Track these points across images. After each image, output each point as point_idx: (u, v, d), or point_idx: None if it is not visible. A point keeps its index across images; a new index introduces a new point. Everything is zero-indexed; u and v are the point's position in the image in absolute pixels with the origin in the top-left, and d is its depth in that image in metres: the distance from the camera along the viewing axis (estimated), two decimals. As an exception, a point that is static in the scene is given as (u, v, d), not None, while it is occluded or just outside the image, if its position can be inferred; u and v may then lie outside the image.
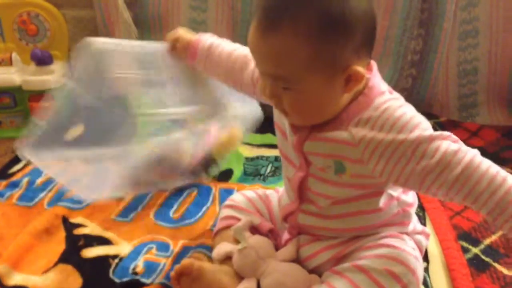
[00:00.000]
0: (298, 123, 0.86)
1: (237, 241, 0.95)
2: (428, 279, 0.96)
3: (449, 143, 0.78)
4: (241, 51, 1.05)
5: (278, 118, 0.93)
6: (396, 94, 0.86)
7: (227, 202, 1.06)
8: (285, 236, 0.98)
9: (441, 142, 0.78)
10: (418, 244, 0.92)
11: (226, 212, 1.04)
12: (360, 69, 0.79)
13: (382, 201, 0.88)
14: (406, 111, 0.81)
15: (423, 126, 0.80)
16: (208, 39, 1.09)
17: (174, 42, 1.10)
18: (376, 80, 0.85)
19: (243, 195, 1.06)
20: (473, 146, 1.41)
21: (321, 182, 0.88)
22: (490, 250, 1.05)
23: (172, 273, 0.90)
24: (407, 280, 0.82)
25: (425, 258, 1.01)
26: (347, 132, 0.82)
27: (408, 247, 0.86)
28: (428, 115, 1.56)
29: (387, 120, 0.80)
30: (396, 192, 0.90)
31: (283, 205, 0.99)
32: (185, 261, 0.90)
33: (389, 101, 0.82)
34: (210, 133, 1.18)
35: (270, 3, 0.78)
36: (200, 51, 1.08)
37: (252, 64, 1.00)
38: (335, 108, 0.82)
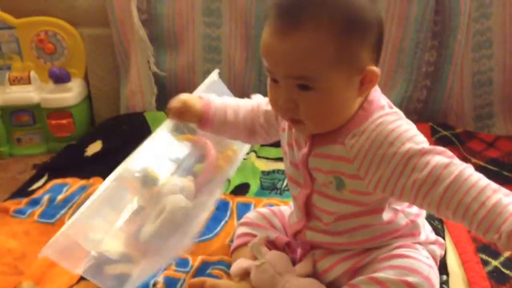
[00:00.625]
0: (310, 129, 0.84)
1: (255, 258, 0.96)
2: (448, 292, 0.96)
3: (441, 158, 0.77)
4: (245, 106, 1.05)
5: (289, 136, 0.93)
6: (396, 109, 0.86)
7: (242, 220, 1.07)
8: (299, 251, 0.99)
9: (432, 156, 0.77)
10: (432, 254, 0.92)
11: (241, 229, 1.05)
12: (375, 68, 0.80)
13: (387, 216, 0.89)
14: (401, 124, 0.81)
15: (416, 140, 0.79)
16: (216, 106, 1.03)
17: (181, 109, 1.01)
18: (376, 95, 0.86)
19: (257, 212, 1.08)
20: (489, 157, 1.45)
21: (325, 198, 0.89)
22: (510, 263, 1.04)
23: None
24: None
25: (445, 271, 1.01)
26: (343, 146, 0.83)
27: (421, 256, 0.87)
28: (444, 126, 1.58)
29: (380, 133, 0.81)
30: (399, 206, 0.90)
31: (291, 223, 1.00)
32: (195, 280, 0.91)
33: (386, 115, 0.83)
34: (209, 156, 1.18)
35: (286, 3, 0.78)
36: (214, 122, 1.02)
37: (261, 110, 1.02)
38: (347, 113, 0.83)
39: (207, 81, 1.17)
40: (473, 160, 1.44)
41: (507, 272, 1.02)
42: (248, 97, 1.68)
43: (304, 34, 0.76)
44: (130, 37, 1.71)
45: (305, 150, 0.88)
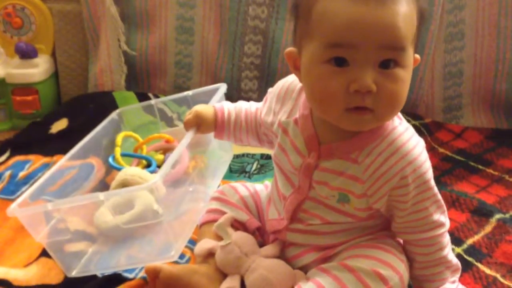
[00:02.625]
0: (376, 120, 0.77)
1: (219, 237, 0.95)
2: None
3: (445, 221, 0.86)
4: (250, 111, 1.03)
5: (282, 139, 0.89)
6: (405, 123, 0.84)
7: (215, 194, 1.04)
8: (272, 237, 0.97)
9: (440, 216, 0.84)
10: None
11: (213, 204, 1.02)
12: (416, 55, 0.79)
13: (373, 219, 0.89)
14: (416, 146, 0.81)
15: (432, 183, 0.83)
16: (230, 115, 1.03)
17: (196, 122, 1.02)
18: None
19: (233, 188, 1.04)
20: (457, 148, 1.46)
21: (321, 206, 0.87)
22: (473, 250, 1.05)
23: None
24: (393, 283, 0.81)
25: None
26: (357, 166, 0.81)
27: (395, 250, 0.86)
28: (413, 116, 1.59)
29: (398, 162, 0.79)
30: None
31: (270, 220, 0.96)
32: (151, 266, 0.88)
33: (403, 134, 0.81)
34: (182, 161, 1.17)
35: None
36: (230, 132, 1.03)
37: (259, 112, 0.99)
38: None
39: (219, 94, 1.15)
40: (441, 149, 1.45)
41: (470, 259, 1.02)
42: (220, 80, 1.68)
43: (400, 2, 0.73)
44: (100, 14, 1.67)
45: (310, 161, 0.84)
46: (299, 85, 0.89)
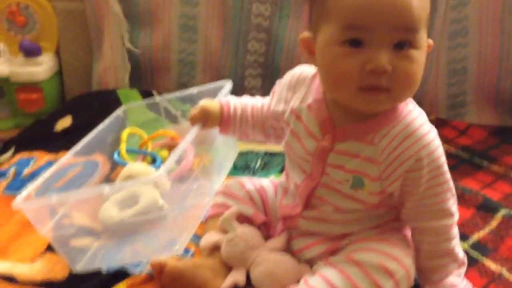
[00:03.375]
0: (392, 100, 0.78)
1: (225, 231, 0.95)
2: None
3: (456, 212, 0.86)
4: (256, 106, 1.03)
5: (295, 125, 0.89)
6: (419, 108, 0.85)
7: (221, 188, 1.04)
8: (279, 227, 0.97)
9: (451, 205, 0.85)
10: (411, 241, 0.92)
11: (219, 199, 1.02)
12: (429, 40, 0.79)
13: (385, 208, 0.89)
14: (435, 136, 0.82)
15: (445, 169, 0.83)
16: (235, 110, 1.03)
17: (201, 117, 1.02)
18: None
19: (240, 183, 1.03)
20: (461, 145, 1.46)
21: (334, 192, 0.87)
22: (478, 245, 1.05)
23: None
24: (399, 276, 0.81)
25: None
26: (374, 147, 0.81)
27: (402, 244, 0.86)
28: (418, 113, 1.58)
29: (414, 144, 0.80)
30: None
31: (283, 205, 0.96)
32: (154, 261, 0.89)
33: (418, 118, 0.82)
34: (186, 160, 1.17)
35: None
36: (236, 128, 1.03)
37: (266, 105, 0.99)
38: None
39: (224, 91, 1.14)
40: (445, 147, 1.44)
41: (475, 254, 1.02)
42: (223, 78, 1.67)
43: None
44: (104, 12, 1.67)
45: (325, 143, 0.84)
46: (311, 73, 0.90)
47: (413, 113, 0.82)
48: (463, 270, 0.89)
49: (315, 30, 0.81)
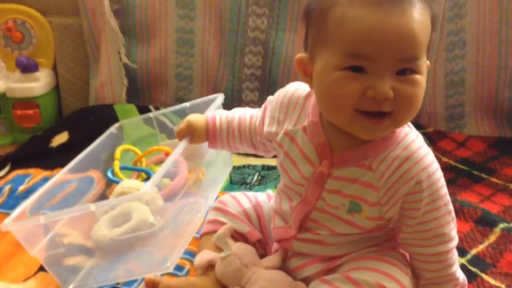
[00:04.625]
0: (393, 125, 0.77)
1: (219, 249, 0.93)
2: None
3: (455, 236, 0.84)
4: (243, 119, 1.02)
5: (289, 148, 0.87)
6: (415, 130, 0.84)
7: (216, 205, 1.03)
8: (275, 245, 0.96)
9: (450, 230, 0.83)
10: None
11: (214, 215, 1.01)
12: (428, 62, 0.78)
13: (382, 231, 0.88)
14: (433, 159, 0.81)
15: (444, 191, 0.82)
16: (221, 125, 1.03)
17: (188, 131, 1.03)
18: None
19: (235, 199, 1.02)
20: (460, 157, 1.45)
21: (329, 216, 0.85)
22: (477, 260, 1.04)
23: None
24: None
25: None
26: (372, 173, 0.80)
27: (399, 263, 0.84)
28: (416, 125, 1.55)
29: (413, 166, 0.78)
30: None
31: (277, 227, 0.94)
32: (148, 278, 0.88)
33: (415, 141, 0.81)
34: (181, 173, 1.17)
35: None
36: (222, 142, 1.03)
37: (255, 120, 0.98)
38: None
39: (215, 105, 1.15)
40: (444, 159, 1.44)
41: (474, 270, 1.01)
42: (221, 91, 1.67)
43: (417, 8, 0.72)
44: (100, 27, 1.67)
45: (322, 169, 0.83)
46: (304, 92, 0.88)
47: (410, 136, 0.81)
48: None
49: (312, 52, 0.79)
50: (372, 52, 0.72)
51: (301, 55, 0.82)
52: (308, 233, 0.88)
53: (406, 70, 0.73)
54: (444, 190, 0.82)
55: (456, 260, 0.86)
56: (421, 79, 0.75)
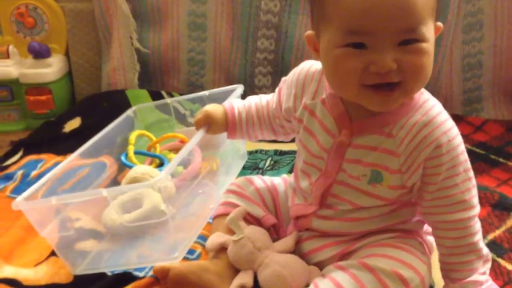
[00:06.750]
0: (404, 95, 0.76)
1: (232, 231, 0.92)
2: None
3: (476, 204, 0.82)
4: (260, 105, 1.01)
5: (309, 121, 0.87)
6: (433, 98, 0.83)
7: (231, 187, 1.01)
8: (290, 228, 0.95)
9: (471, 197, 0.81)
10: (429, 246, 0.89)
11: (229, 197, 0.99)
12: (440, 23, 0.77)
13: (403, 207, 0.87)
14: (453, 125, 0.80)
15: (464, 157, 0.81)
16: (240, 114, 1.01)
17: (206, 121, 1.01)
18: None
19: (251, 182, 1.01)
20: (477, 141, 1.42)
21: (350, 189, 0.85)
22: (493, 245, 1.02)
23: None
24: (414, 285, 0.78)
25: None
26: (392, 139, 0.79)
27: (417, 251, 0.83)
28: (432, 109, 1.55)
29: (433, 131, 0.78)
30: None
31: (295, 204, 0.93)
32: (160, 266, 0.88)
33: (435, 107, 0.80)
34: (194, 163, 1.16)
35: None
36: (242, 131, 1.02)
37: (272, 104, 0.98)
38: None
39: (234, 95, 1.13)
40: (461, 143, 1.41)
41: (491, 255, 0.98)
42: (233, 76, 1.65)
43: None
44: (112, 12, 1.66)
45: (342, 138, 0.82)
46: (319, 67, 0.88)
47: (429, 102, 0.81)
48: (488, 266, 0.85)
49: (317, 29, 0.80)
50: (369, 27, 0.71)
51: (309, 32, 0.83)
52: (329, 210, 0.88)
53: (409, 41, 0.72)
54: (465, 156, 0.81)
55: (479, 231, 0.83)
56: (427, 46, 0.73)
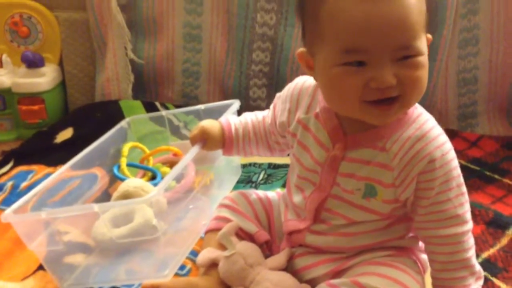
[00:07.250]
0: (402, 108, 0.76)
1: (224, 247, 0.91)
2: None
3: (469, 219, 0.81)
4: (256, 122, 1.01)
5: (303, 136, 0.87)
6: (427, 113, 0.83)
7: (224, 201, 1.00)
8: (283, 245, 0.94)
9: (464, 212, 0.80)
10: (423, 264, 0.88)
11: (221, 212, 0.98)
12: (428, 35, 0.77)
13: (397, 223, 0.86)
14: (447, 139, 0.80)
15: (458, 172, 0.81)
16: (237, 131, 1.01)
17: (201, 137, 1.01)
18: None
19: (245, 196, 1.00)
20: (472, 156, 1.41)
21: (344, 203, 0.84)
22: (488, 264, 1.01)
23: None
24: None
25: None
26: (386, 153, 0.79)
27: (411, 270, 0.82)
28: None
29: (427, 145, 0.78)
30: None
31: (288, 219, 0.92)
32: (149, 283, 0.86)
33: (428, 121, 0.81)
34: (188, 176, 1.15)
35: None
36: (239, 148, 1.02)
37: (268, 120, 0.98)
38: None
39: (231, 111, 1.12)
40: (455, 159, 1.40)
41: (485, 273, 0.97)
42: (228, 88, 1.65)
43: None
44: (107, 22, 1.66)
45: (335, 152, 0.82)
46: (313, 82, 0.88)
47: (423, 116, 0.81)
48: (480, 283, 0.84)
49: (311, 47, 0.80)
50: (366, 46, 0.72)
51: (301, 49, 0.83)
52: (323, 224, 0.87)
53: (406, 56, 0.73)
54: (458, 171, 0.81)
55: (472, 247, 0.83)
56: (423, 59, 0.74)
